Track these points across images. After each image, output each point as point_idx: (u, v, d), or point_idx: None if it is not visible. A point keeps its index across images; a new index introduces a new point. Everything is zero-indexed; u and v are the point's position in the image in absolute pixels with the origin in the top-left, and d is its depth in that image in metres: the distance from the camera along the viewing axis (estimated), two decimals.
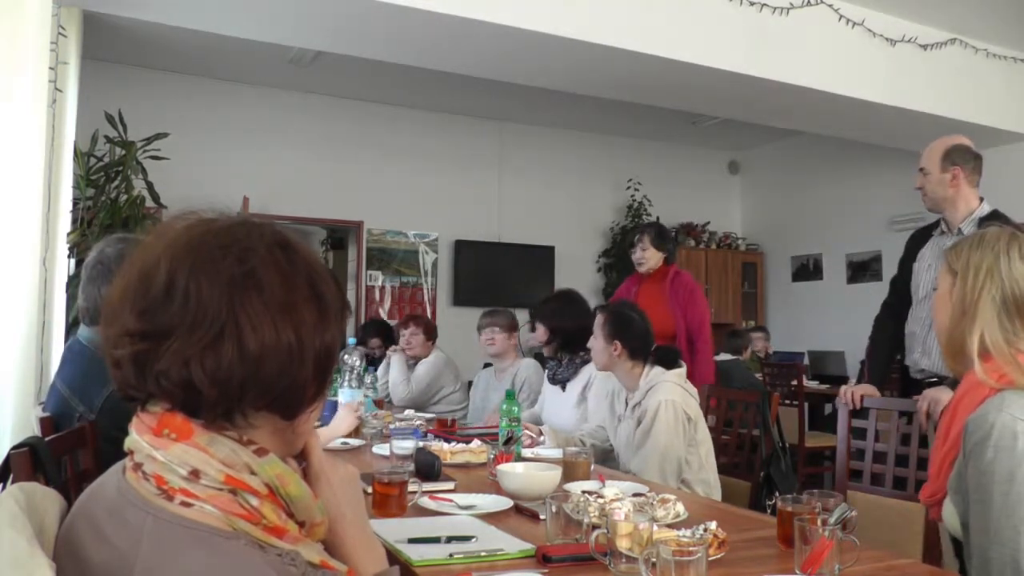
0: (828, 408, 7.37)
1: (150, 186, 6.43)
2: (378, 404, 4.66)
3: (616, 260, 9.67)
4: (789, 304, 10.06)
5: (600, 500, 2.09)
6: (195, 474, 1.00)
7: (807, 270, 9.84)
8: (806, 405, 6.56)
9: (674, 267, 5.07)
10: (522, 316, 9.17)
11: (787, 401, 6.54)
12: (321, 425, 4.14)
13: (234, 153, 8.33)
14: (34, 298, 3.31)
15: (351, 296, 9.21)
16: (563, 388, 4.09)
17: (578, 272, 9.70)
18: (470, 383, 5.74)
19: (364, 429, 3.78)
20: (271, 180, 8.40)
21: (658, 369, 3.19)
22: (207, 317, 1.01)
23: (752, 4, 5.72)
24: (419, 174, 9.09)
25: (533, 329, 4.41)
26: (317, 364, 1.09)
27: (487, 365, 5.28)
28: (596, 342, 3.33)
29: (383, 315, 8.91)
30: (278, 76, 8.15)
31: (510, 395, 3.15)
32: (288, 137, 8.60)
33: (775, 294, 10.31)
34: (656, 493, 2.26)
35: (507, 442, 2.89)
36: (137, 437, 1.04)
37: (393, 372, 5.38)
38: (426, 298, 9.18)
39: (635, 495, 2.29)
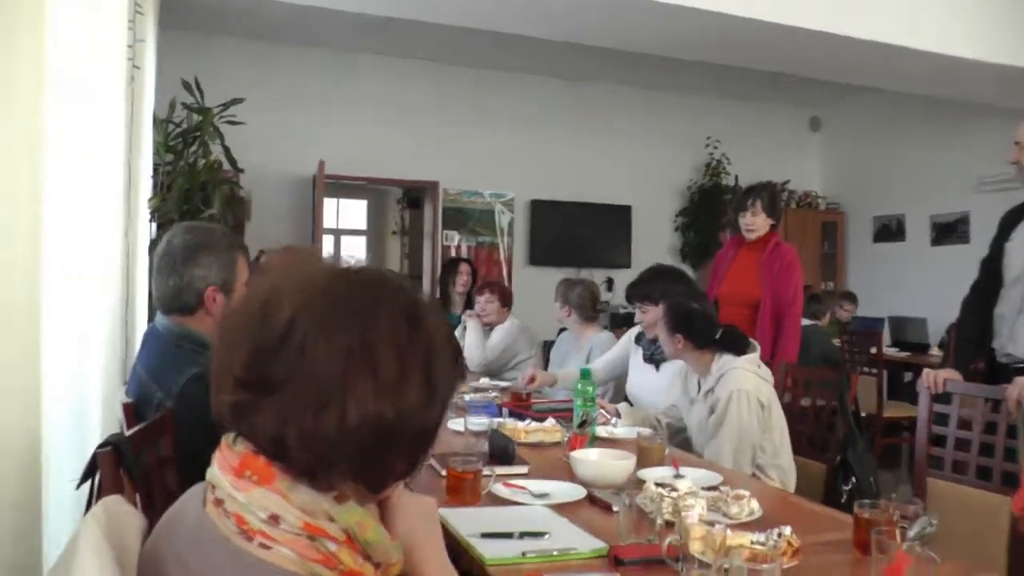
0: (908, 376, 7.24)
1: (227, 151, 6.53)
2: None
3: (693, 219, 9.57)
4: (870, 266, 9.81)
5: (674, 494, 2.09)
6: (274, 519, 1.03)
7: (889, 231, 9.59)
8: (885, 374, 6.44)
9: (776, 236, 4.72)
10: (598, 275, 9.23)
11: (866, 369, 6.44)
12: None
13: (309, 116, 8.40)
14: (118, 272, 3.38)
15: (427, 256, 9.28)
16: (657, 368, 4.01)
17: (655, 232, 9.62)
18: (547, 344, 5.75)
19: None
20: (346, 142, 8.46)
21: (729, 355, 3.16)
22: (316, 383, 1.02)
23: None
24: (495, 134, 9.06)
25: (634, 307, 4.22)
26: (414, 444, 1.10)
27: (563, 329, 5.27)
28: (661, 333, 3.30)
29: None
30: (351, 39, 8.16)
31: (585, 374, 3.15)
32: (362, 99, 8.64)
33: (856, 255, 10.08)
34: (730, 487, 2.25)
35: (581, 424, 2.90)
36: (219, 474, 1.07)
37: (469, 337, 5.42)
38: (502, 258, 9.20)
39: (708, 488, 2.29)
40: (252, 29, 7.87)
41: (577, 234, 9.27)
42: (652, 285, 3.95)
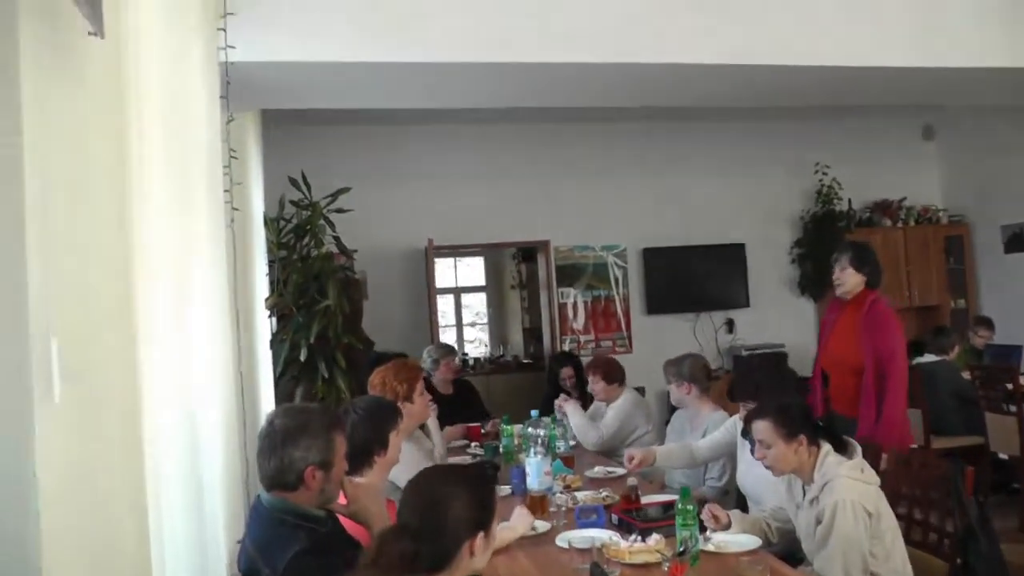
0: None
1: (337, 240, 6.83)
2: (568, 463, 4.77)
3: (809, 249, 9.37)
4: (1003, 279, 9.32)
5: None
6: None
7: (1021, 240, 9.14)
8: None
9: (875, 294, 4.75)
10: (717, 317, 9.17)
11: (1005, 406, 6.15)
12: (512, 493, 4.33)
13: (415, 190, 8.69)
14: (232, 407, 3.59)
15: (544, 310, 9.39)
16: None
17: (771, 266, 9.49)
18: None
19: (550, 508, 3.91)
20: (453, 211, 8.71)
21: (831, 459, 3.14)
22: None
23: None
24: (598, 186, 9.12)
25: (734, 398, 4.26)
26: None
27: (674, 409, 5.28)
28: (775, 450, 3.22)
29: (577, 328, 9.06)
30: (445, 112, 8.35)
31: (685, 493, 3.19)
32: (465, 167, 8.88)
33: (986, 268, 9.61)
34: None
35: (682, 553, 2.94)
36: None
37: (572, 421, 5.46)
38: (619, 309, 9.23)
39: None
40: (350, 115, 8.14)
41: (692, 278, 9.22)
42: (751, 379, 3.97)
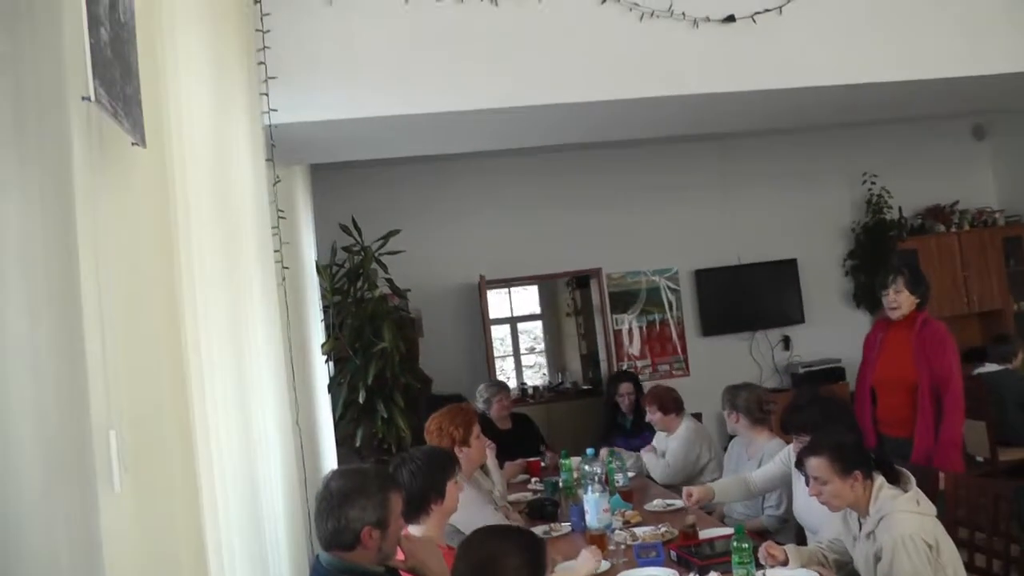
0: None
1: (390, 282, 6.95)
2: (627, 497, 4.81)
3: (862, 260, 9.28)
4: None
5: None
6: None
7: None
8: None
9: (924, 314, 4.78)
10: (773, 335, 9.12)
11: None
12: (572, 530, 4.38)
13: (465, 225, 8.82)
14: (292, 467, 3.69)
15: (600, 336, 9.42)
16: None
17: (825, 280, 9.42)
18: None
19: (609, 546, 3.95)
20: (504, 243, 8.83)
21: (886, 492, 3.14)
22: None
23: None
24: (646, 211, 9.14)
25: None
26: None
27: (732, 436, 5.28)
28: (831, 486, 3.23)
29: (633, 354, 9.08)
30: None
31: (739, 531, 3.22)
32: (513, 199, 8.98)
33: None
34: None
35: None
36: None
37: (645, 460, 5.56)
38: (673, 333, 9.23)
39: None
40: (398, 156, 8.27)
41: (745, 297, 9.18)
42: (804, 414, 3.96)
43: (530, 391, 11.33)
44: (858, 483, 3.20)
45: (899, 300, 4.72)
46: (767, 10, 4.89)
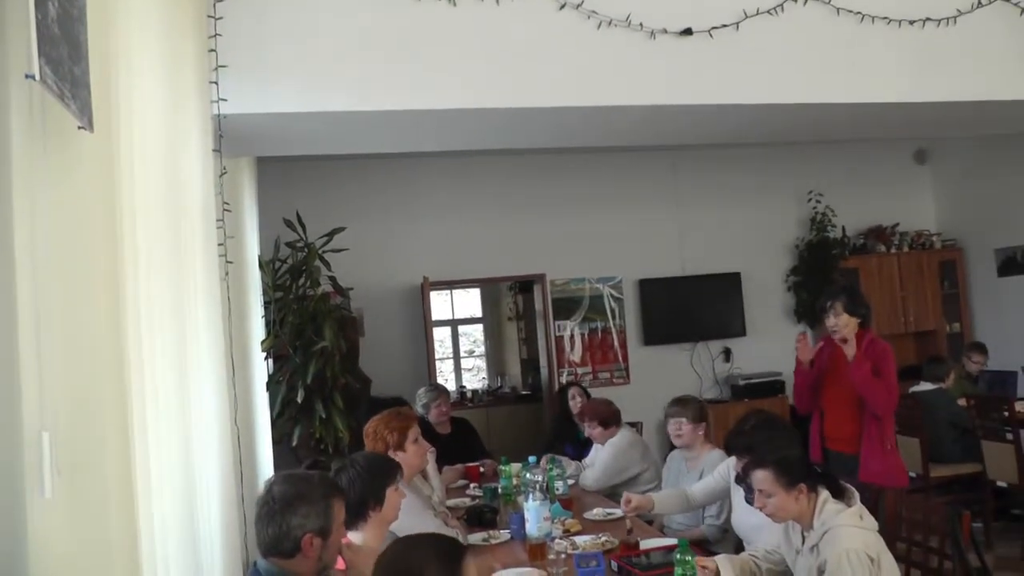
0: None
1: (333, 280, 6.85)
2: (567, 505, 4.76)
3: (805, 277, 9.38)
4: (997, 303, 9.35)
5: None
6: None
7: (1014, 263, 9.10)
8: (1022, 435, 6.15)
9: (871, 333, 4.86)
10: (714, 347, 9.17)
11: (1006, 431, 6.13)
12: (512, 538, 4.31)
13: (409, 225, 8.74)
14: (229, 461, 3.58)
15: (542, 343, 9.38)
16: None
17: (768, 295, 9.50)
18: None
19: (549, 556, 3.89)
20: (448, 246, 8.76)
21: (831, 506, 3.14)
22: None
23: (912, 24, 5.36)
24: (593, 218, 9.13)
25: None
26: None
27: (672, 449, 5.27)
28: (775, 499, 3.21)
29: (574, 360, 9.06)
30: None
31: (683, 545, 3.19)
32: (458, 202, 8.91)
33: (979, 293, 9.60)
34: None
35: None
36: None
37: (570, 470, 5.57)
38: (615, 341, 9.22)
39: None
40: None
41: (688, 308, 9.21)
42: (748, 437, 3.95)
43: (469, 395, 11.27)
44: (803, 496, 3.20)
45: (839, 323, 4.77)
46: (724, 25, 4.90)
